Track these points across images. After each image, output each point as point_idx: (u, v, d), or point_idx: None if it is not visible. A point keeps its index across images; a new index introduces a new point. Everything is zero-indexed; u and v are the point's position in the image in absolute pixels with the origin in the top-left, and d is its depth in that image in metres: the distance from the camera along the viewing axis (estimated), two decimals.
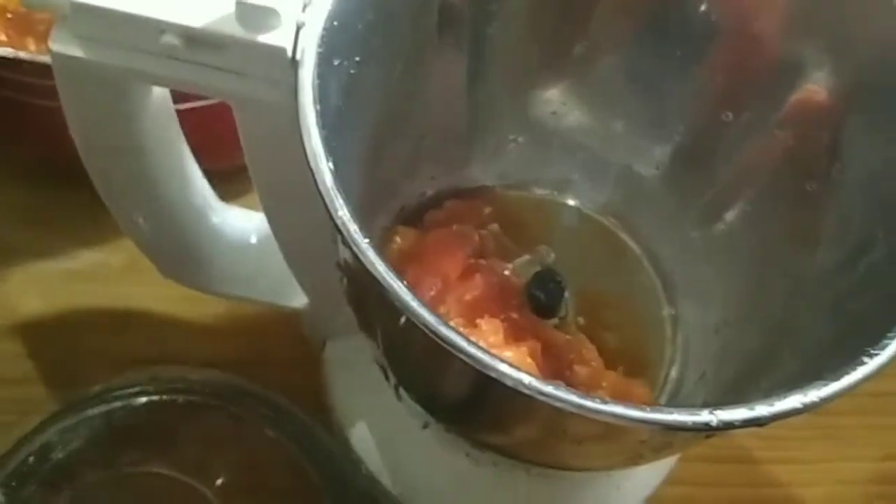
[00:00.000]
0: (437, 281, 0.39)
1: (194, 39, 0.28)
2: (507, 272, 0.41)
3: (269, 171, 0.32)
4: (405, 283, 0.25)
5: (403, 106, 0.39)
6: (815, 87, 0.35)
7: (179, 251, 0.41)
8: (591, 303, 0.43)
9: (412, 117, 0.40)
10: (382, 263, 0.25)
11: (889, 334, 0.26)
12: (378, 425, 0.43)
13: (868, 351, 0.26)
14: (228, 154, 0.35)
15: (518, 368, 0.24)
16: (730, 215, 0.40)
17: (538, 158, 0.45)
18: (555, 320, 0.41)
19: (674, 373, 0.41)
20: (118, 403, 0.43)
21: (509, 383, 0.24)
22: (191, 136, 0.37)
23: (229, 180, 0.41)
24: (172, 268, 0.42)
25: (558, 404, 0.24)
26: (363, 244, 0.25)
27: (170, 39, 0.28)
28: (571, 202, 0.45)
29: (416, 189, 0.43)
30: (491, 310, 0.39)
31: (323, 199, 0.26)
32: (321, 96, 0.28)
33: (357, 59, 0.33)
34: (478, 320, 0.37)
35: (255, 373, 0.45)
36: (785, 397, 0.25)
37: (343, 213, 0.26)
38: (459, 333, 0.24)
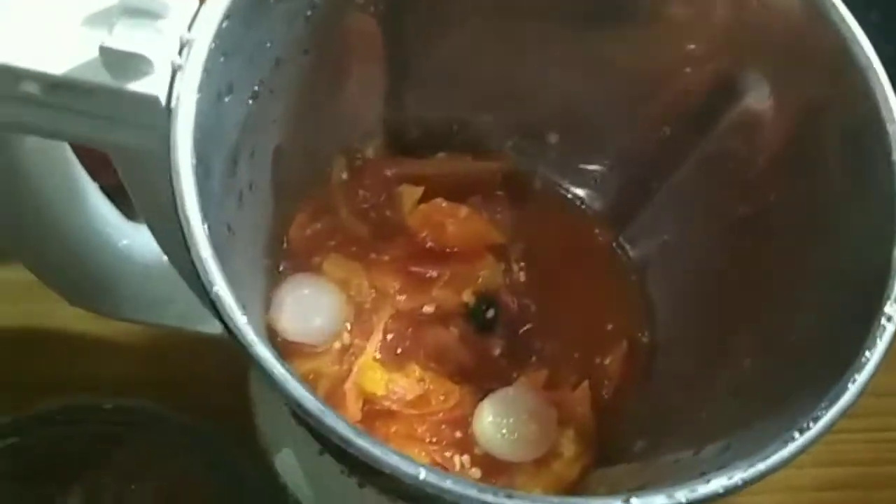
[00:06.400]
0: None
1: (56, 87, 0.25)
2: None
3: (158, 220, 0.30)
4: (289, 367, 0.23)
5: (316, 117, 0.36)
6: (753, 109, 0.33)
7: (86, 280, 0.38)
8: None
9: (324, 125, 0.37)
10: (263, 345, 0.23)
11: (822, 404, 0.24)
12: (304, 453, 0.41)
13: (799, 426, 0.24)
14: None
15: (413, 461, 0.22)
16: (667, 234, 0.38)
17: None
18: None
19: None
20: (27, 436, 0.40)
21: (406, 480, 0.22)
22: (84, 153, 0.34)
23: None
24: (80, 297, 0.39)
25: (460, 500, 0.22)
26: (240, 322, 0.23)
27: (28, 87, 0.25)
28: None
29: None
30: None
31: (196, 272, 0.23)
32: (201, 147, 0.25)
33: (255, 87, 0.31)
34: None
35: (176, 394, 0.43)
36: (708, 481, 0.23)
37: (219, 287, 0.23)
38: (349, 425, 0.22)
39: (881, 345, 0.25)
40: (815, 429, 0.24)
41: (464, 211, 0.39)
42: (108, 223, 0.37)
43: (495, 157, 0.42)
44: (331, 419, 0.22)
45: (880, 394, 0.49)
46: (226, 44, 0.27)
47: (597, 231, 0.42)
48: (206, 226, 0.24)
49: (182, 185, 0.24)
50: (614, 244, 0.41)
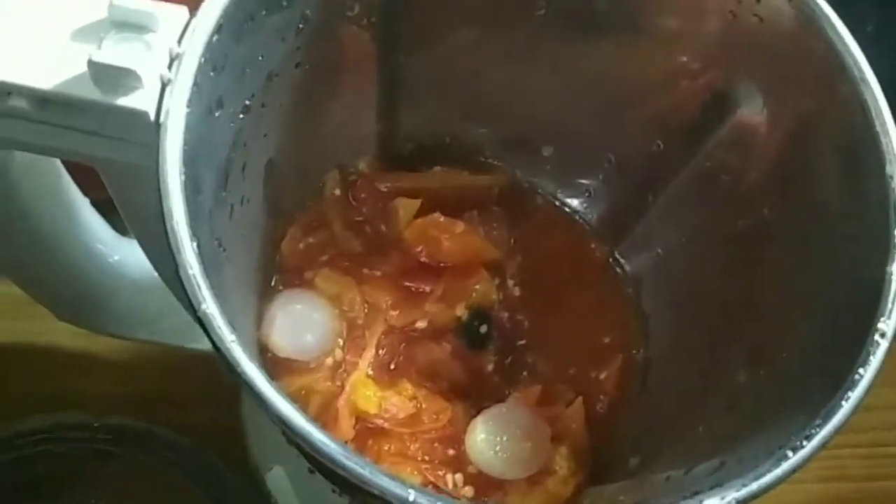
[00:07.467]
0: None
1: (45, 101, 0.25)
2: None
3: (147, 236, 0.29)
4: (278, 387, 0.22)
5: (308, 131, 0.36)
6: (746, 122, 0.32)
7: (76, 296, 0.38)
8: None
9: (317, 140, 0.37)
10: (252, 364, 0.22)
11: (815, 422, 0.24)
12: (294, 471, 0.40)
13: (792, 444, 0.24)
14: None
15: (403, 482, 0.22)
16: (661, 247, 0.38)
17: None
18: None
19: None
20: (15, 454, 0.40)
21: (396, 501, 0.22)
22: (76, 168, 0.34)
23: None
24: (69, 312, 0.39)
25: None
26: (227, 341, 0.22)
27: (16, 102, 0.24)
28: None
29: None
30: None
31: (184, 289, 0.23)
32: (191, 163, 0.25)
33: (247, 102, 0.30)
34: None
35: (166, 412, 0.43)
36: (700, 502, 0.23)
37: (207, 305, 0.23)
38: (338, 445, 0.22)
39: (874, 362, 0.25)
40: (809, 447, 0.24)
41: (460, 226, 0.39)
42: (99, 239, 0.37)
43: (491, 170, 0.41)
44: (319, 439, 0.22)
45: (874, 409, 0.49)
46: (216, 58, 0.27)
47: (593, 245, 0.41)
48: (195, 243, 0.24)
49: (171, 201, 0.24)
50: (610, 259, 0.41)
